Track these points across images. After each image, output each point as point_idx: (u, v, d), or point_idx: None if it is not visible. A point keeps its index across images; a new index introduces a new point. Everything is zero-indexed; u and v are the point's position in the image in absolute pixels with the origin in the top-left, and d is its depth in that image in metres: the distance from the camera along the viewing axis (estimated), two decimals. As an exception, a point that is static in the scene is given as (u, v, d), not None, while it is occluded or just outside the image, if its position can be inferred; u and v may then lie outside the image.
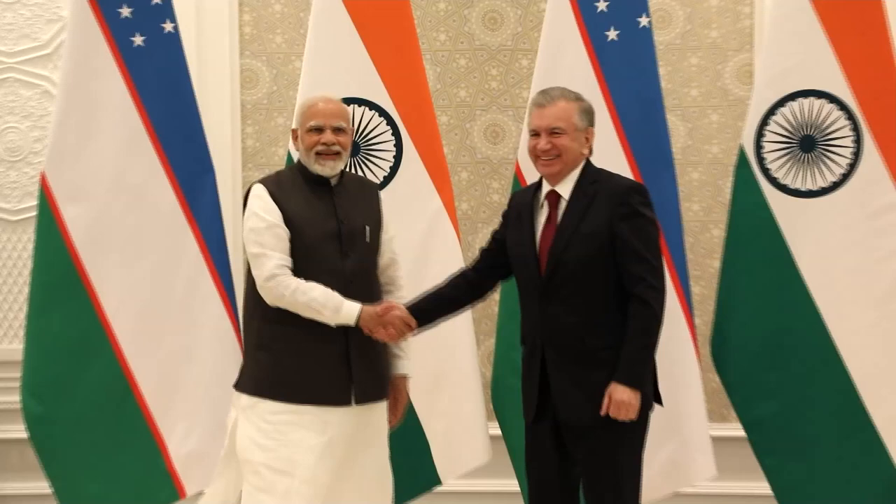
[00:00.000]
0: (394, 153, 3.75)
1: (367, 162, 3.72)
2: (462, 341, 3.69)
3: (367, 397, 3.10)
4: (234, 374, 3.65)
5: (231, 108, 4.68)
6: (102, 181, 3.62)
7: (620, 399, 2.93)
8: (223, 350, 3.70)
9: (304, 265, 3.07)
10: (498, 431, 3.79)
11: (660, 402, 3.07)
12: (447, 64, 4.68)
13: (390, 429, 3.24)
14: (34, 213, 3.81)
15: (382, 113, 3.73)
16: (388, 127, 3.74)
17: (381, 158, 3.74)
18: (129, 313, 3.63)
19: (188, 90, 3.74)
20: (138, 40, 3.66)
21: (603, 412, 2.94)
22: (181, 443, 3.67)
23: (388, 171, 3.73)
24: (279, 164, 4.57)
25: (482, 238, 4.46)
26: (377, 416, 3.16)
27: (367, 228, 3.17)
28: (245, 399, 3.12)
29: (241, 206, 4.59)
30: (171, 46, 3.70)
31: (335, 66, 3.71)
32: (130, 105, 3.64)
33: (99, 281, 3.61)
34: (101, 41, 3.61)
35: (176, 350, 3.67)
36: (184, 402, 3.67)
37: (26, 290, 3.83)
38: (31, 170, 4.65)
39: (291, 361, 3.06)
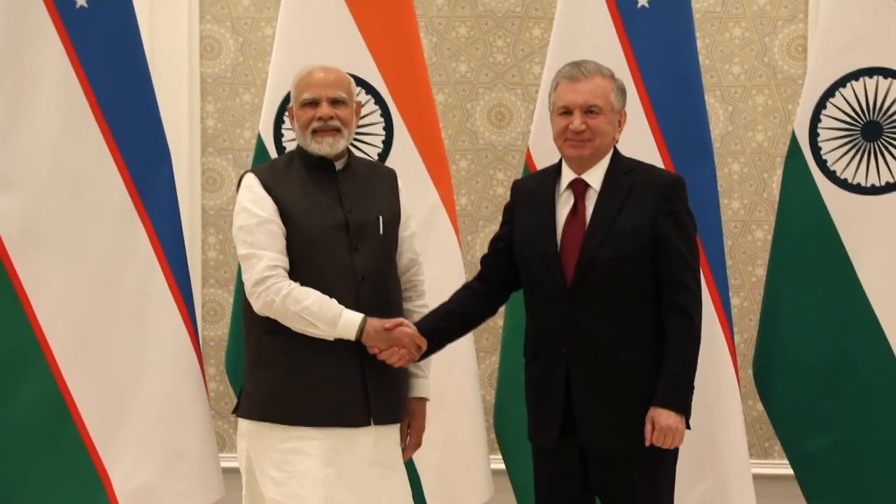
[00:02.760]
0: (382, 137, 3.76)
1: (351, 147, 3.70)
2: (460, 358, 3.68)
3: (383, 419, 3.11)
4: (190, 395, 3.71)
5: (189, 82, 4.68)
6: (37, 168, 3.61)
7: (667, 425, 2.98)
8: (179, 368, 3.70)
9: (305, 265, 3.07)
10: (501, 465, 3.80)
11: (688, 425, 3.09)
12: (445, 33, 4.69)
13: (406, 457, 3.26)
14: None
15: (370, 90, 3.74)
16: (377, 107, 3.75)
17: (367, 143, 3.74)
18: (67, 323, 3.62)
19: (140, 60, 3.73)
20: (81, 1, 3.64)
21: (648, 442, 2.99)
22: (128, 476, 3.65)
23: (376, 158, 3.73)
24: (245, 148, 4.58)
25: (484, 238, 4.47)
26: (391, 440, 3.18)
27: (381, 219, 3.16)
28: (247, 425, 3.14)
29: (201, 197, 4.72)
30: (120, 8, 3.69)
31: (313, 34, 3.71)
32: (71, 77, 3.62)
33: (32, 285, 3.59)
34: (37, 1, 3.59)
35: (123, 367, 3.66)
36: (132, 428, 3.66)
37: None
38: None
39: (298, 378, 3.06)
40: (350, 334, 3.03)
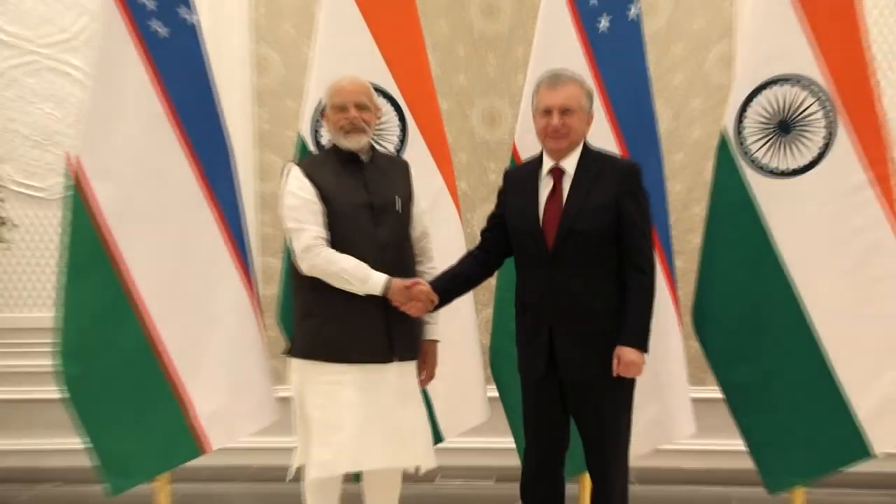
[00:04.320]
0: (398, 135, 3.77)
1: (373, 143, 3.72)
2: (462, 310, 3.69)
3: (404, 356, 3.16)
4: (251, 341, 3.70)
5: (247, 93, 4.71)
6: (129, 161, 3.61)
7: (630, 360, 3.01)
8: (242, 319, 3.70)
9: (339, 235, 3.11)
10: (495, 393, 3.81)
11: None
12: (448, 52, 4.69)
13: (421, 387, 3.29)
14: (64, 192, 3.77)
15: (388, 97, 3.73)
16: (393, 111, 3.75)
17: (387, 140, 3.75)
18: (155, 283, 3.62)
19: (206, 76, 3.73)
20: (161, 30, 3.64)
21: (615, 373, 3.01)
22: (203, 403, 3.66)
23: (394, 152, 3.73)
24: (291, 146, 4.57)
25: (480, 215, 4.49)
26: (411, 374, 3.21)
27: (398, 200, 3.20)
28: (297, 363, 3.18)
29: (257, 184, 4.74)
30: (191, 35, 3.69)
31: (343, 53, 3.70)
32: (152, 90, 3.63)
33: (126, 253, 3.59)
34: (127, 31, 3.59)
35: (198, 317, 3.66)
36: (206, 365, 3.66)
37: (53, 261, 3.82)
38: (61, 151, 4.66)
39: (337, 326, 3.10)
40: (377, 290, 3.07)
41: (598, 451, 3.09)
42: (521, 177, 3.20)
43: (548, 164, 3.13)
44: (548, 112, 3.09)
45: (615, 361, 3.02)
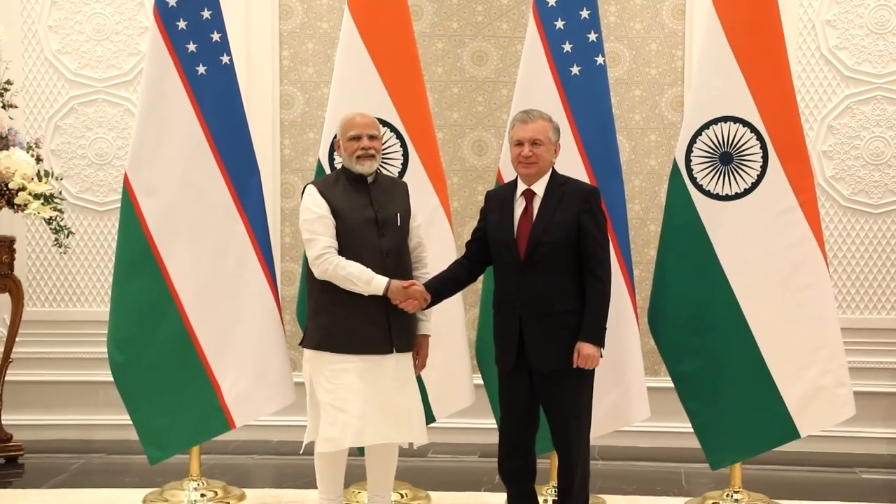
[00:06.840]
0: (401, 161, 3.76)
1: (379, 168, 3.72)
2: (452, 310, 3.68)
3: (401, 348, 3.15)
4: (273, 334, 3.70)
5: (273, 124, 4.69)
6: (172, 180, 3.63)
7: (588, 353, 3.01)
8: (265, 314, 3.71)
9: (349, 245, 3.11)
10: (480, 381, 3.79)
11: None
12: (443, 92, 4.70)
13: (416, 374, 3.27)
14: (118, 205, 3.82)
15: (393, 129, 3.73)
16: (397, 140, 3.75)
17: (391, 165, 3.74)
18: (192, 284, 3.63)
19: (240, 109, 3.74)
20: (201, 69, 3.65)
21: (575, 365, 3.01)
22: (231, 386, 3.66)
23: (396, 174, 3.73)
24: (310, 169, 4.60)
25: (469, 229, 4.44)
26: (407, 363, 3.20)
27: (398, 216, 3.20)
28: (309, 353, 3.16)
29: (280, 201, 4.74)
30: (227, 74, 3.71)
31: (356, 91, 3.71)
32: (195, 121, 3.64)
33: (168, 257, 3.61)
34: (172, 70, 3.61)
35: (228, 313, 3.67)
36: (234, 354, 3.67)
37: (111, 264, 3.84)
38: (115, 171, 4.68)
39: (343, 321, 3.09)
40: (379, 291, 3.07)
41: (562, 432, 3.07)
42: (499, 197, 3.21)
43: (521, 187, 3.15)
44: (520, 144, 3.10)
45: (575, 355, 3.01)
